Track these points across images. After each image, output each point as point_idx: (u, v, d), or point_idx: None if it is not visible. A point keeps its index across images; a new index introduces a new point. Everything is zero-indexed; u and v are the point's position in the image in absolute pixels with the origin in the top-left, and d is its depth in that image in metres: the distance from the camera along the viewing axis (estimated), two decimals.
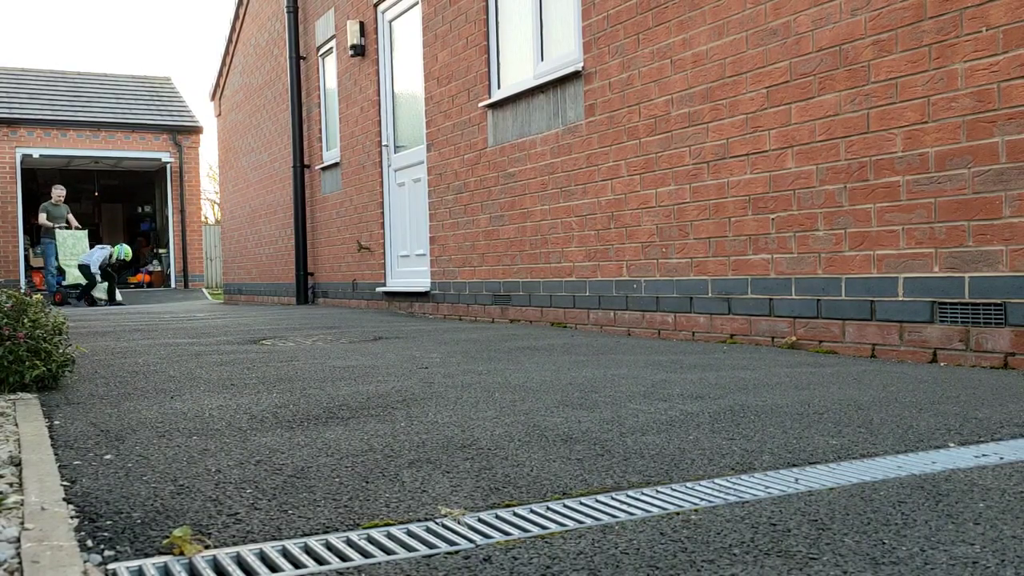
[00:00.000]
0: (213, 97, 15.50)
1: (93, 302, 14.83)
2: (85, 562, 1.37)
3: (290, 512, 1.63)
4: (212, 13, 70.70)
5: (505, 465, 1.97)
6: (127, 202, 23.40)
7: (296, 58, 11.25)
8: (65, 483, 1.84)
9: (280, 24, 11.99)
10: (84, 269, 14.67)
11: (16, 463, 2.05)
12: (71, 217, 16.10)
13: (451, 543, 1.46)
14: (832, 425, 2.37)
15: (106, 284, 15.00)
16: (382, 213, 9.20)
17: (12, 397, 3.05)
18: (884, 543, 1.41)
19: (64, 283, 15.32)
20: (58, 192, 15.97)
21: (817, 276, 4.25)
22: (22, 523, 1.56)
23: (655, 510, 1.62)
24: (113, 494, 1.76)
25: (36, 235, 21.56)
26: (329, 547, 1.45)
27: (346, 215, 10.08)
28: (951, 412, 2.53)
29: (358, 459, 2.04)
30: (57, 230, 15.57)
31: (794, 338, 4.38)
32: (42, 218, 15.65)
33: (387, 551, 1.43)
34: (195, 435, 2.34)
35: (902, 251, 3.84)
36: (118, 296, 15.41)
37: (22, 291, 3.47)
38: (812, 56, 4.24)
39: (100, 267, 14.71)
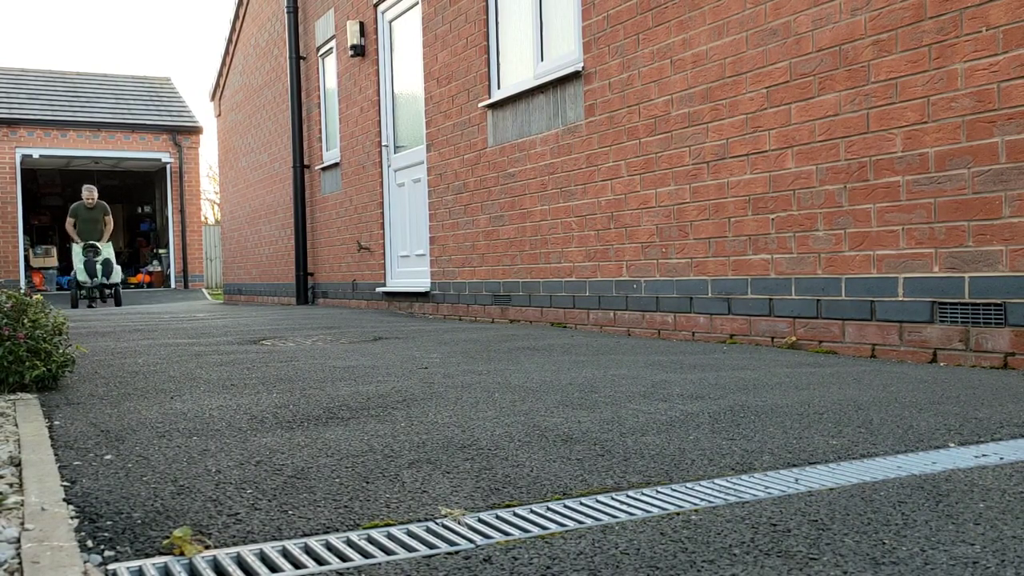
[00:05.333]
0: (213, 97, 15.50)
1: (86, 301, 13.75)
2: (85, 562, 1.37)
3: (290, 512, 1.63)
4: (212, 13, 70.72)
5: (505, 465, 1.97)
6: (127, 202, 23.41)
7: (296, 58, 11.25)
8: (65, 483, 1.84)
9: (280, 24, 11.99)
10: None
11: (16, 463, 2.05)
12: (107, 226, 13.82)
13: (451, 543, 1.46)
14: (832, 425, 2.37)
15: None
16: (382, 213, 9.20)
17: (12, 397, 3.05)
18: (884, 543, 1.41)
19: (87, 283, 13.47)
20: (88, 192, 13.76)
21: (817, 276, 4.25)
22: (22, 523, 1.56)
23: (655, 510, 1.62)
24: (113, 494, 1.76)
25: (36, 235, 21.61)
26: (329, 547, 1.45)
27: (346, 215, 10.08)
28: (951, 412, 2.53)
29: (358, 459, 2.04)
30: (75, 247, 13.50)
31: (794, 338, 4.38)
32: (69, 225, 13.68)
33: (387, 551, 1.43)
34: (195, 435, 2.34)
35: (902, 251, 3.84)
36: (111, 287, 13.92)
37: (22, 291, 3.47)
38: (812, 56, 4.24)
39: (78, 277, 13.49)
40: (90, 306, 13.32)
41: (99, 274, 13.31)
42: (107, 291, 13.69)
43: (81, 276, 13.26)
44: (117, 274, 13.54)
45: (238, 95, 14.25)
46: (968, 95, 3.56)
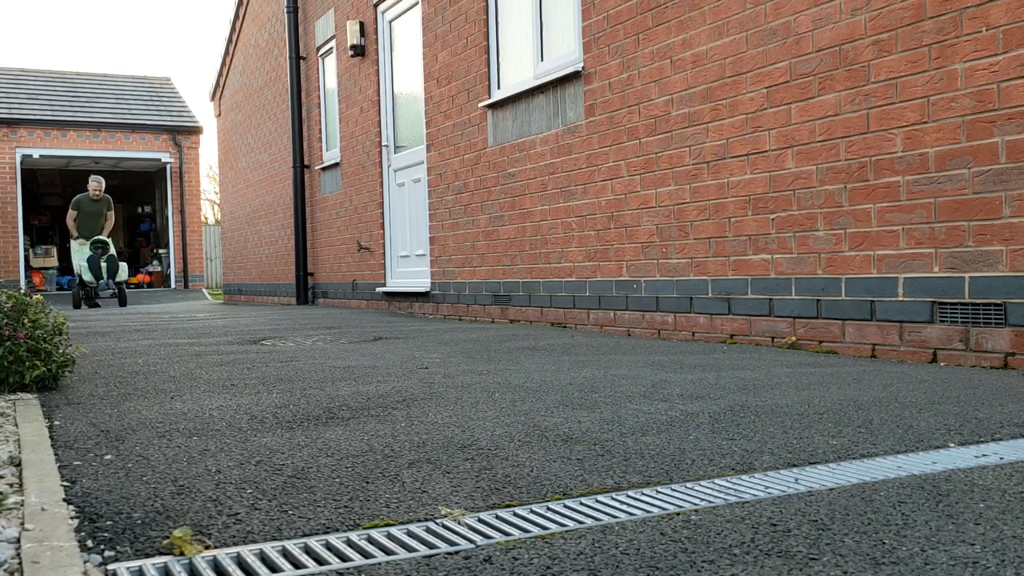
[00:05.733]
0: (213, 97, 15.50)
1: (92, 301, 12.81)
2: (85, 562, 1.37)
3: (290, 512, 1.63)
4: (212, 13, 70.74)
5: (505, 465, 1.97)
6: (127, 202, 23.42)
7: (296, 58, 11.25)
8: (65, 483, 1.84)
9: (280, 24, 11.99)
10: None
11: (16, 463, 2.05)
12: (108, 221, 12.97)
13: (451, 543, 1.46)
14: (832, 425, 2.37)
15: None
16: (382, 213, 9.20)
17: (12, 397, 3.05)
18: (884, 543, 1.41)
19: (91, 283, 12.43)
20: (95, 183, 12.75)
21: (817, 276, 4.25)
22: (22, 523, 1.56)
23: (655, 510, 1.62)
24: (113, 494, 1.76)
25: (36, 235, 21.62)
26: (329, 547, 1.45)
27: (346, 215, 10.09)
28: (951, 412, 2.53)
29: (358, 459, 2.04)
30: (75, 243, 12.58)
31: (794, 338, 4.38)
32: (71, 218, 12.67)
33: (387, 551, 1.43)
34: (195, 435, 2.34)
35: (902, 251, 3.84)
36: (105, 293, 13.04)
37: (22, 291, 3.47)
38: (812, 56, 4.24)
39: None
40: (91, 306, 12.62)
41: (105, 273, 12.45)
42: (111, 290, 12.84)
43: (87, 275, 12.38)
44: (123, 272, 12.73)
45: (238, 95, 14.25)
46: (968, 95, 3.56)
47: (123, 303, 12.78)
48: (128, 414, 2.69)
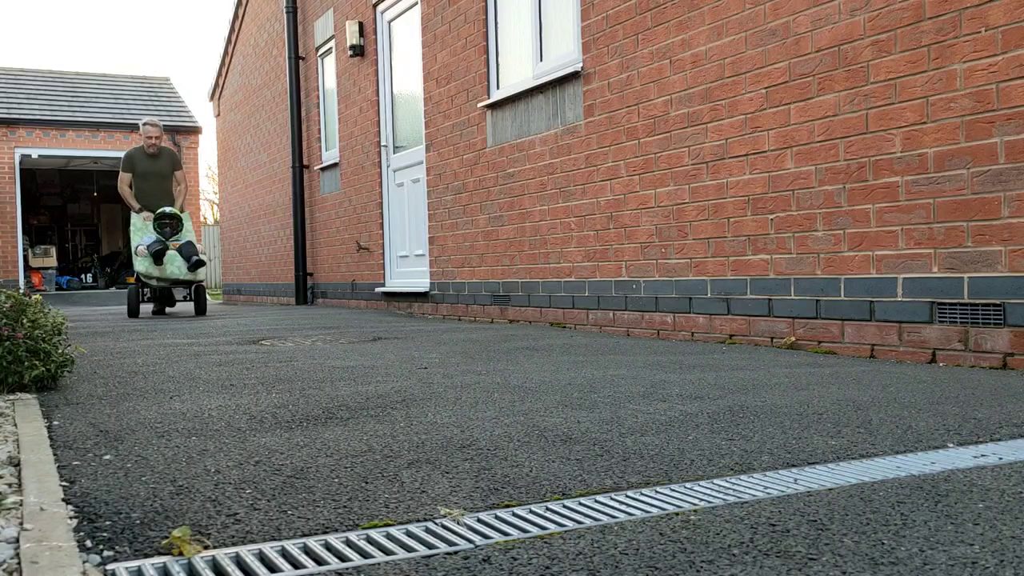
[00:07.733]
0: (212, 97, 15.50)
1: (168, 301, 8.93)
2: (84, 562, 1.37)
3: (289, 512, 1.63)
4: (212, 13, 70.72)
5: (504, 465, 1.97)
6: None
7: (295, 58, 11.25)
8: (64, 483, 1.84)
9: (279, 24, 11.98)
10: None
11: (15, 463, 2.05)
12: (180, 184, 8.96)
13: (450, 543, 1.46)
14: (831, 425, 2.37)
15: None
16: (381, 213, 9.20)
17: (11, 397, 3.04)
18: (883, 543, 1.41)
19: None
20: (150, 129, 8.74)
21: (816, 276, 4.25)
22: (21, 523, 1.55)
23: (654, 510, 1.62)
24: (112, 494, 1.75)
25: (35, 235, 21.59)
26: (328, 547, 1.45)
27: (345, 215, 10.08)
28: (950, 412, 2.53)
29: (357, 459, 2.04)
30: (136, 218, 8.67)
31: (793, 338, 4.38)
32: (124, 183, 8.73)
33: (386, 551, 1.43)
34: (194, 435, 2.34)
35: (901, 251, 3.84)
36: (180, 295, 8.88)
37: (21, 291, 3.47)
38: (811, 56, 4.24)
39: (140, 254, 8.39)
40: (157, 312, 9.10)
41: (172, 264, 8.38)
42: (184, 292, 8.79)
43: (141, 267, 8.34)
44: (201, 269, 8.50)
45: (237, 95, 14.25)
46: (967, 95, 3.56)
47: (202, 310, 8.79)
48: (127, 414, 2.69)
